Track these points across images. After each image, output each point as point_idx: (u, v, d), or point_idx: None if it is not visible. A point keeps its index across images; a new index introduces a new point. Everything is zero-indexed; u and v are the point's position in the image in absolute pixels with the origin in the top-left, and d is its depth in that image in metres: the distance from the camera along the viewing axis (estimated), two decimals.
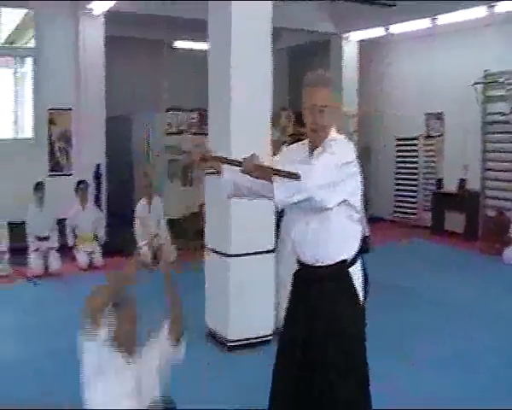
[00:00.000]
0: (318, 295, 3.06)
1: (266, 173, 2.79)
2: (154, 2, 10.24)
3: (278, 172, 2.76)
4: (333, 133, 3.07)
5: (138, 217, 9.56)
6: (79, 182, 9.63)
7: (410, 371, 5.10)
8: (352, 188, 2.97)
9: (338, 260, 3.03)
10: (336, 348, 3.00)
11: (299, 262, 3.20)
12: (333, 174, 2.83)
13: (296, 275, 3.25)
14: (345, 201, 2.94)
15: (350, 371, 3.02)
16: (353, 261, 3.06)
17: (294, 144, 3.35)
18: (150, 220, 9.58)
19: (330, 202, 2.86)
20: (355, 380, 3.04)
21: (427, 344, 5.75)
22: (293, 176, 2.70)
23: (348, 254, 3.05)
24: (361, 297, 3.09)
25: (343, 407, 3.00)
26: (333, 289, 3.04)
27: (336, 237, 3.00)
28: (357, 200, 3.03)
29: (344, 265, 3.04)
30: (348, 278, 3.04)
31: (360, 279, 3.09)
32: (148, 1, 10.19)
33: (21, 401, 4.30)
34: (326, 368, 3.02)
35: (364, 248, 3.18)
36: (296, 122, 6.20)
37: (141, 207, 9.65)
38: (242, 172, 2.86)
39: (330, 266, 3.03)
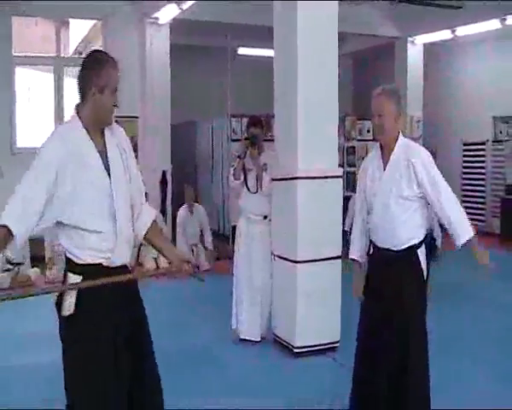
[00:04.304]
0: (388, 276, 3.61)
1: None
2: (218, 11, 10.37)
3: None
4: (401, 138, 3.61)
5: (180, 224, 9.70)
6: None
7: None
8: None
9: (410, 245, 3.56)
10: (401, 325, 3.50)
11: (374, 245, 3.72)
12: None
13: (370, 258, 3.79)
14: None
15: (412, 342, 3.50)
16: (421, 242, 3.59)
17: (369, 155, 3.87)
18: (191, 227, 9.71)
19: None
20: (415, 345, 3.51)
21: (484, 349, 5.66)
22: None
23: (419, 237, 3.59)
24: (425, 273, 3.61)
25: (410, 378, 3.46)
26: (402, 270, 3.58)
27: (410, 225, 3.56)
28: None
29: (413, 248, 3.57)
30: (416, 259, 3.57)
31: (424, 257, 3.60)
32: (211, 10, 10.33)
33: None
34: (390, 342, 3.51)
35: (433, 256, 3.86)
36: (251, 125, 6.20)
37: (183, 213, 9.78)
38: None
39: (402, 250, 3.57)
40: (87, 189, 2.74)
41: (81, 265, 2.77)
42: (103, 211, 2.77)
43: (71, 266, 2.80)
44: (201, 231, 9.80)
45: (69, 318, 2.75)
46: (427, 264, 3.64)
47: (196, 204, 9.93)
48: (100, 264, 2.77)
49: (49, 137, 2.82)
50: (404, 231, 3.53)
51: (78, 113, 2.84)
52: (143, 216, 3.06)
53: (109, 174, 2.81)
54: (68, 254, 2.81)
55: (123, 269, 2.88)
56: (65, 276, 2.83)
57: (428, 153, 3.59)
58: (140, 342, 2.93)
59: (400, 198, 3.50)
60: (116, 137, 2.92)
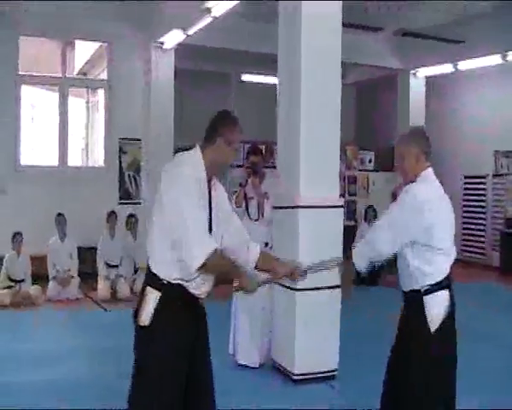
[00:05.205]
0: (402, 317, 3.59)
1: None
2: (223, 37, 10.46)
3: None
4: (420, 177, 3.59)
5: None
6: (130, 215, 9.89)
7: None
8: (420, 228, 3.37)
9: (412, 289, 3.48)
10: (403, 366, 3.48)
11: None
12: (395, 226, 3.42)
13: None
14: (413, 241, 3.38)
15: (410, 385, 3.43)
16: (431, 290, 3.40)
17: None
18: None
19: (393, 248, 3.45)
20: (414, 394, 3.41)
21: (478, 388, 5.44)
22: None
23: (421, 284, 3.42)
24: (433, 323, 3.41)
25: None
26: (407, 310, 3.54)
27: (406, 273, 3.49)
28: (431, 237, 3.38)
29: (417, 293, 3.44)
30: (419, 305, 3.41)
31: (439, 308, 3.42)
32: (216, 36, 10.41)
33: None
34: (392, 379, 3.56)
35: None
36: (251, 153, 6.20)
37: None
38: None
39: (408, 292, 3.52)
40: None
41: (162, 282, 3.03)
42: None
43: (152, 280, 3.06)
44: None
45: (144, 328, 3.02)
46: (450, 309, 3.51)
47: None
48: (178, 284, 3.04)
49: (180, 165, 3.13)
50: (403, 277, 3.52)
51: (201, 152, 3.21)
52: (252, 252, 3.39)
53: (210, 216, 3.16)
54: (153, 269, 3.07)
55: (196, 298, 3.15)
56: (144, 289, 3.09)
57: (421, 197, 3.43)
58: (203, 357, 3.23)
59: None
60: (217, 187, 3.31)
